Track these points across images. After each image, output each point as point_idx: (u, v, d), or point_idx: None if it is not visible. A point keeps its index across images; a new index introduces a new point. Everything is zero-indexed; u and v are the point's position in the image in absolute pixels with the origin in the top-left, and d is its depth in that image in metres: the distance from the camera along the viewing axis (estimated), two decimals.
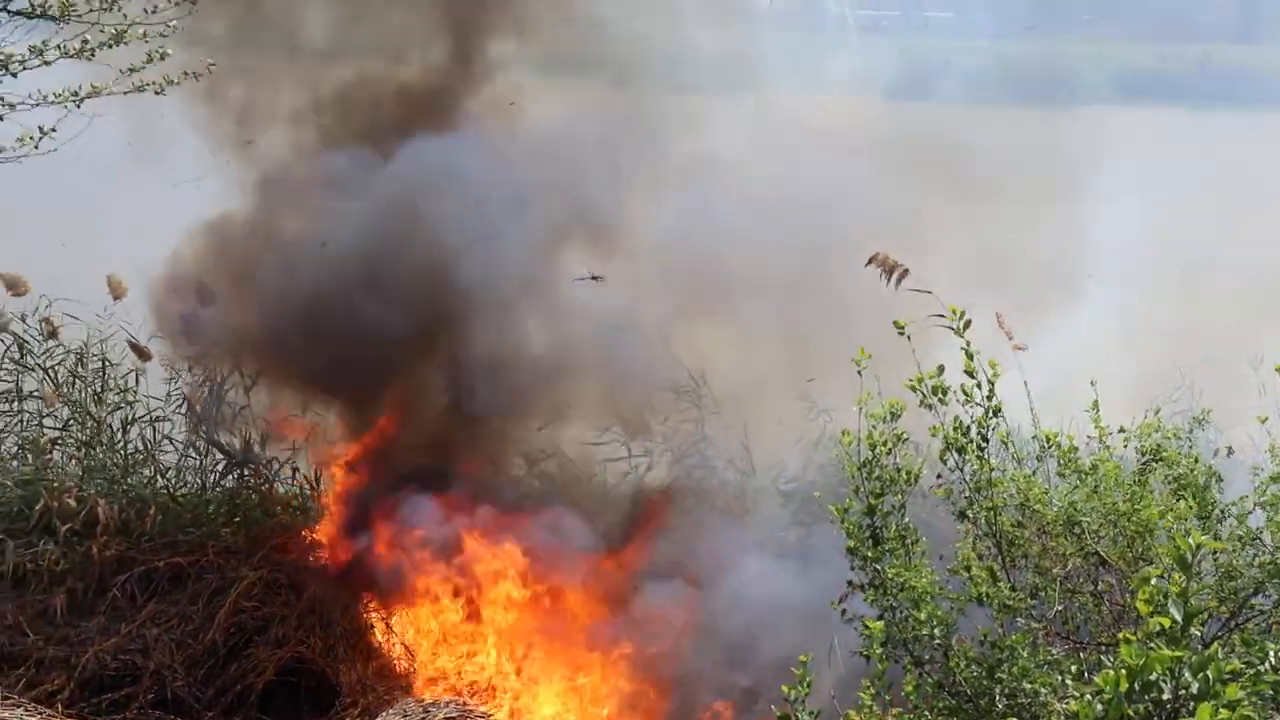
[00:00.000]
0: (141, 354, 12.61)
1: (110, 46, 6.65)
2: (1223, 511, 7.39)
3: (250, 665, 11.04)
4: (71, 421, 12.77)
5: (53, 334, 12.72)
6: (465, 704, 9.77)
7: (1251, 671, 5.57)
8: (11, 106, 6.71)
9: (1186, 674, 5.34)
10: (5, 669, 10.78)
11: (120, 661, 10.92)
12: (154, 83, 6.97)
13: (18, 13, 6.20)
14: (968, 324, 7.16)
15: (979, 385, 7.24)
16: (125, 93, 6.95)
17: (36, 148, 6.85)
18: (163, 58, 6.83)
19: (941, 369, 7.27)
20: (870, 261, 8.60)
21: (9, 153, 6.81)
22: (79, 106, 7.05)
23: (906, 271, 8.35)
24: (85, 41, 6.56)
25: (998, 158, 12.25)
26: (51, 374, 12.83)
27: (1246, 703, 5.17)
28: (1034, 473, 7.55)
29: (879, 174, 12.28)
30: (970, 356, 7.19)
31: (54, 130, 6.78)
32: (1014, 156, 12.31)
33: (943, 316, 7.46)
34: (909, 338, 7.33)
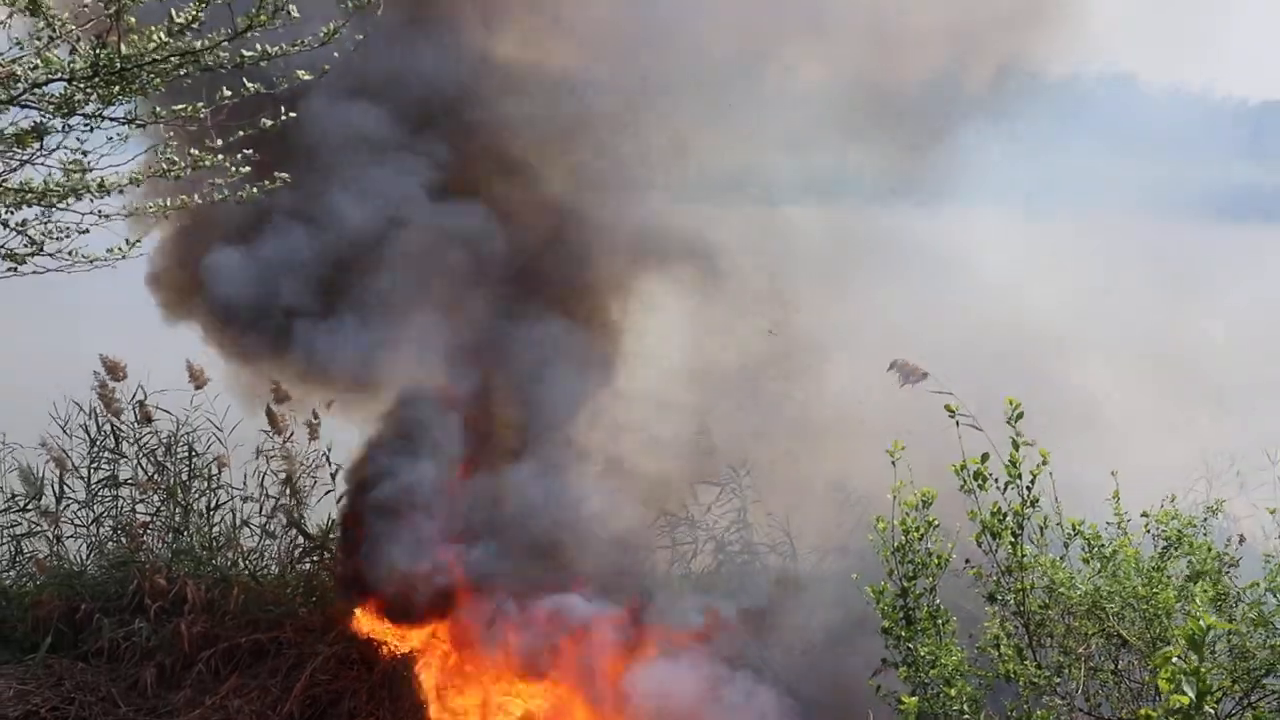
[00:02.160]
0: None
1: (197, 169, 6.69)
2: (1236, 596, 7.36)
3: None
4: (161, 507, 12.84)
5: (147, 419, 12.81)
6: None
7: None
8: (107, 218, 6.75)
9: None
10: None
11: None
12: (240, 194, 7.00)
13: (116, 120, 6.24)
14: (1020, 415, 7.18)
15: (1019, 476, 7.25)
16: (212, 202, 6.98)
17: (124, 257, 6.88)
18: (241, 174, 6.86)
19: (986, 457, 7.29)
20: (891, 366, 8.66)
21: (102, 262, 6.83)
22: (167, 217, 7.09)
23: (925, 375, 8.39)
24: (174, 162, 6.60)
25: None
26: (144, 462, 12.91)
27: None
28: (1061, 558, 7.52)
29: None
30: (1017, 446, 7.21)
31: (139, 242, 6.80)
32: None
33: (969, 416, 7.52)
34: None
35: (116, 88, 6.04)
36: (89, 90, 6.01)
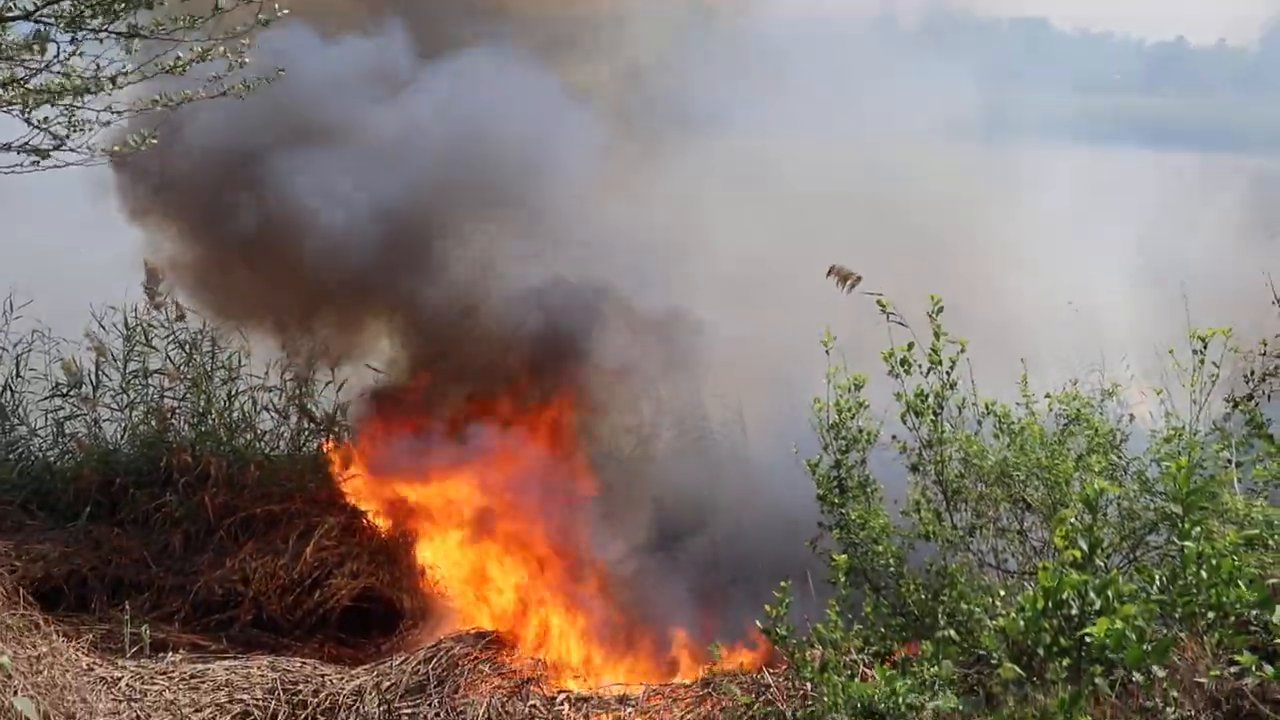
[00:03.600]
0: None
1: (200, 61, 6.66)
2: (1125, 467, 7.52)
3: (330, 593, 11.12)
4: (187, 394, 12.89)
5: (181, 316, 12.83)
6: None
7: (1144, 595, 5.66)
8: (120, 114, 6.74)
9: (1091, 594, 5.43)
10: (133, 595, 10.95)
11: (225, 589, 11.03)
12: (234, 87, 6.97)
13: (119, 34, 6.21)
14: (940, 310, 7.38)
15: (939, 362, 7.44)
16: (211, 97, 6.94)
17: (141, 149, 6.86)
18: (241, 65, 6.83)
19: (911, 345, 7.49)
20: (830, 272, 8.75)
21: (123, 152, 6.84)
22: (174, 110, 7.04)
23: (859, 279, 8.49)
24: (179, 58, 6.57)
25: None
26: (173, 355, 12.95)
27: (1138, 617, 5.27)
28: (976, 434, 7.68)
29: None
30: (938, 337, 7.42)
31: (155, 135, 6.80)
32: None
33: (894, 314, 7.69)
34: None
35: (120, 4, 6.03)
36: (94, 6, 6.01)
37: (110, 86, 6.60)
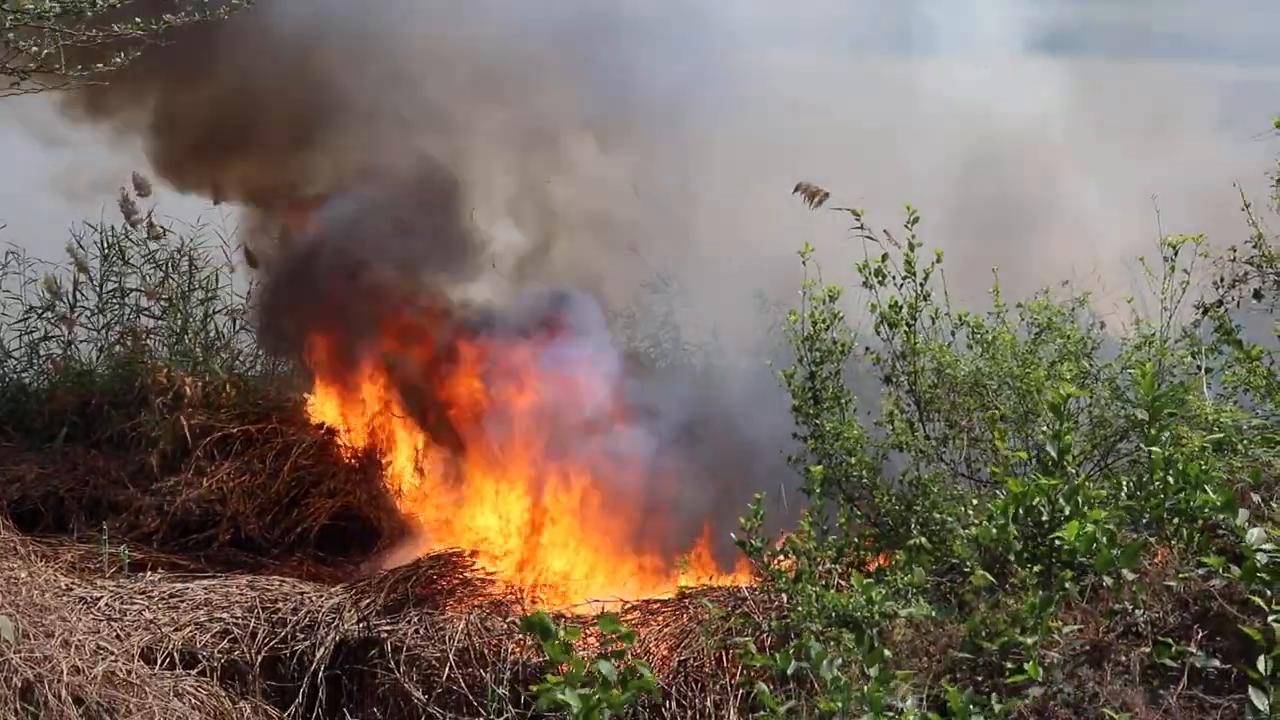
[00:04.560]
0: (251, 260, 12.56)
1: None
2: (1096, 375, 7.56)
3: (308, 512, 11.16)
4: (164, 315, 12.84)
5: (157, 236, 12.76)
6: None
7: (1114, 502, 5.71)
8: (102, 38, 6.68)
9: (1060, 500, 5.47)
10: (111, 515, 10.94)
11: (203, 509, 11.05)
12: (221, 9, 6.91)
13: None
14: (915, 220, 7.40)
15: (914, 273, 7.46)
16: (195, 20, 6.89)
17: (116, 67, 6.81)
18: None
19: (885, 256, 7.51)
20: (796, 189, 8.74)
21: (100, 72, 6.78)
22: (159, 37, 6.97)
23: (827, 194, 8.48)
24: None
25: None
26: (150, 274, 12.90)
27: (1108, 522, 5.31)
28: (949, 344, 7.70)
29: None
30: (912, 248, 7.43)
31: (136, 53, 6.73)
32: None
33: (863, 227, 7.71)
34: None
35: None
36: None
37: (91, 8, 6.54)
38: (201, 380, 12.07)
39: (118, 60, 6.91)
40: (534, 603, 9.28)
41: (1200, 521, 5.48)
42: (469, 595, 9.23)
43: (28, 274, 12.82)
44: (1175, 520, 5.52)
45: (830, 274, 7.77)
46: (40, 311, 12.70)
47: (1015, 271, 9.09)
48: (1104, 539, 5.19)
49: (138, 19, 6.86)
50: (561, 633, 4.36)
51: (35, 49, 6.71)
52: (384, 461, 11.41)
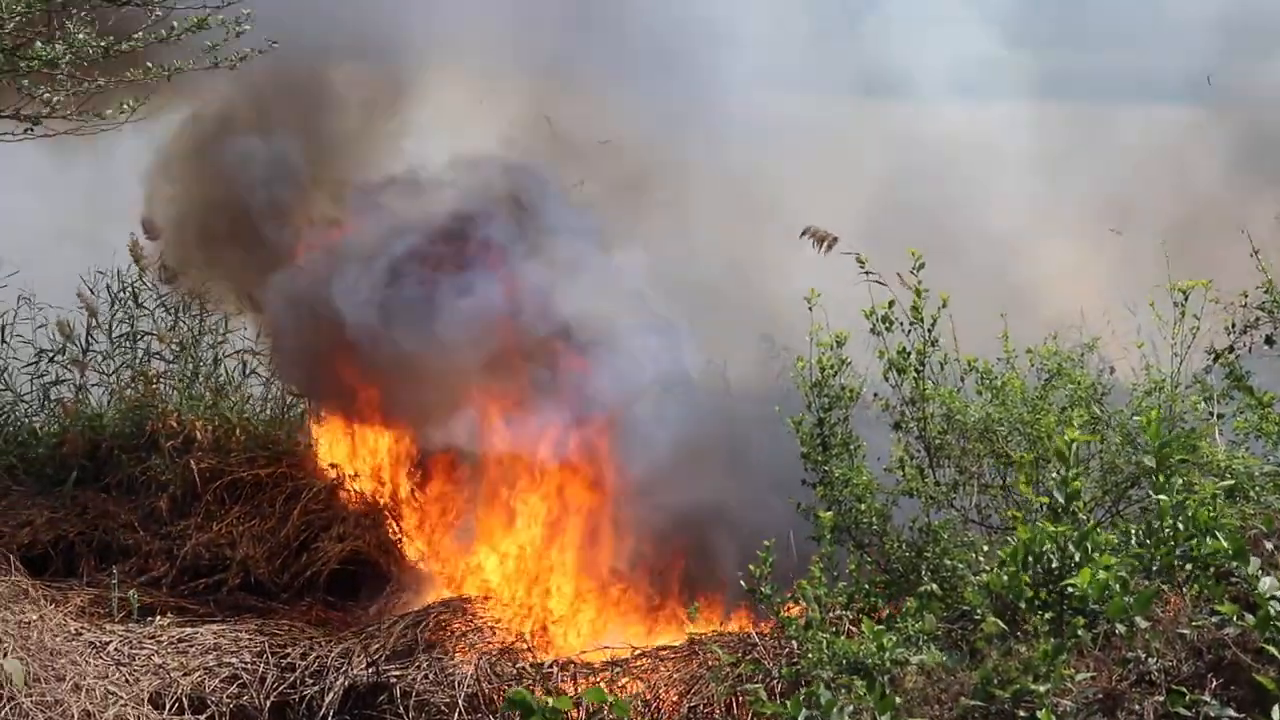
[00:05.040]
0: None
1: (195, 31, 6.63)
2: (1107, 420, 7.54)
3: (318, 556, 11.12)
4: (175, 359, 12.87)
5: (172, 279, 12.76)
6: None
7: (1125, 549, 5.69)
8: (121, 82, 6.70)
9: (1070, 546, 5.45)
10: (121, 559, 10.94)
11: (213, 553, 11.04)
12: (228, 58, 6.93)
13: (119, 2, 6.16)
14: (921, 266, 7.38)
15: (921, 319, 7.46)
16: (204, 68, 6.91)
17: (130, 115, 6.84)
18: (239, 34, 6.81)
19: (892, 303, 7.50)
20: (804, 233, 8.76)
21: (114, 120, 6.81)
22: (170, 79, 7.00)
23: (836, 239, 8.50)
24: (173, 26, 6.55)
25: None
26: (161, 318, 12.93)
27: (1119, 569, 5.29)
28: (958, 390, 7.70)
29: None
30: (919, 294, 7.42)
31: (145, 100, 6.77)
32: None
33: (872, 272, 7.72)
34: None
35: None
36: None
37: (103, 56, 6.57)
38: (212, 424, 12.07)
39: (128, 107, 6.95)
40: (543, 649, 9.26)
41: (1212, 569, 5.46)
42: (478, 640, 9.21)
43: (39, 318, 12.83)
44: (1187, 567, 5.50)
45: (834, 319, 7.78)
46: (51, 355, 12.71)
47: (1020, 315, 9.08)
48: (1116, 586, 5.17)
49: (149, 64, 6.89)
50: (550, 702, 4.35)
51: (47, 95, 6.75)
52: (391, 507, 11.38)
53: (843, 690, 5.63)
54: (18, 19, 6.31)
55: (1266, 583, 4.89)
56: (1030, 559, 5.48)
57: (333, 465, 11.56)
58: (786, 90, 13.23)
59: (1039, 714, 4.75)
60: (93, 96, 6.96)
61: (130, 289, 12.85)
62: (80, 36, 6.46)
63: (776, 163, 11.75)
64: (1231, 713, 4.77)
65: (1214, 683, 4.93)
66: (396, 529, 11.27)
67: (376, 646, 9.03)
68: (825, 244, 9.24)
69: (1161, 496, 5.60)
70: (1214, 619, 5.12)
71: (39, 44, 6.39)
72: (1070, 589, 5.30)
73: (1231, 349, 7.95)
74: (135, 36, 6.61)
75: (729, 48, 12.26)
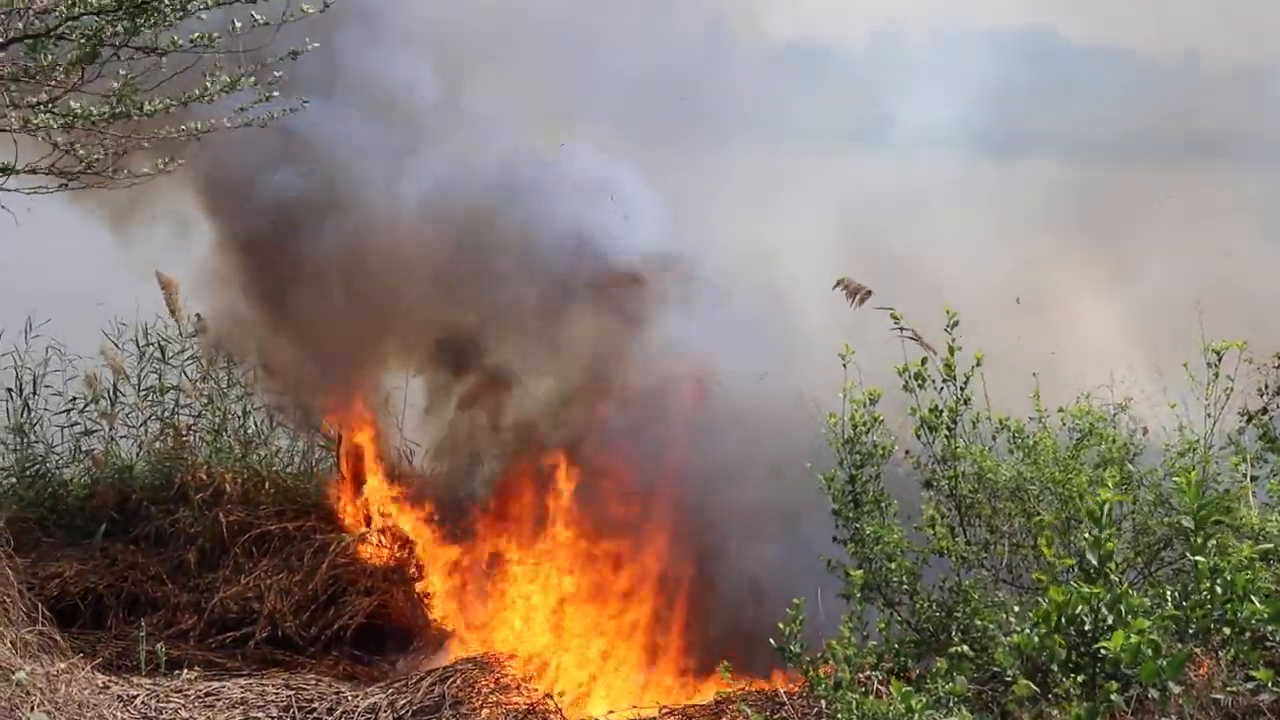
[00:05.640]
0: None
1: (228, 91, 6.68)
2: (1139, 480, 7.48)
3: (345, 610, 11.16)
4: (203, 411, 12.92)
5: (199, 331, 12.83)
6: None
7: (1158, 610, 5.63)
8: (146, 142, 6.74)
9: (1103, 609, 5.40)
10: (149, 611, 11.00)
11: (240, 606, 11.08)
12: (258, 118, 6.98)
13: (143, 49, 6.18)
14: (955, 324, 7.32)
15: (954, 377, 7.41)
16: (235, 127, 6.95)
17: (168, 171, 6.88)
18: (268, 99, 6.87)
19: (924, 360, 7.47)
20: (838, 285, 8.74)
21: (146, 177, 6.85)
22: (199, 139, 7.05)
23: (870, 292, 8.48)
24: (206, 87, 6.60)
25: None
26: (188, 371, 12.99)
27: (1152, 632, 5.24)
28: (989, 449, 7.65)
29: None
30: (952, 352, 7.38)
31: (176, 160, 6.80)
32: None
33: (906, 328, 7.69)
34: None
35: (139, 19, 6.03)
36: (114, 21, 6.01)
37: (138, 113, 6.61)
38: (241, 477, 12.11)
39: (161, 164, 7.00)
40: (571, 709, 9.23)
41: (1248, 633, 5.40)
42: (505, 699, 9.18)
43: (69, 370, 12.89)
44: (1224, 631, 5.44)
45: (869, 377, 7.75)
46: (82, 407, 12.76)
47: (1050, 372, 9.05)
48: (1148, 650, 5.11)
49: (184, 125, 6.94)
50: None
51: (83, 152, 6.79)
52: (417, 564, 11.40)
53: None
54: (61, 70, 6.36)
55: None
56: (1063, 621, 5.43)
57: (360, 518, 11.59)
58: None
59: None
60: (126, 153, 7.00)
61: (157, 342, 12.91)
62: (117, 95, 6.51)
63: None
64: None
65: None
66: (421, 584, 11.27)
67: (404, 702, 9.02)
68: (859, 297, 9.21)
69: (1199, 558, 5.54)
70: (1249, 685, 5.07)
71: (73, 103, 6.43)
72: (1103, 651, 5.25)
73: (1265, 410, 7.89)
74: (168, 100, 6.64)
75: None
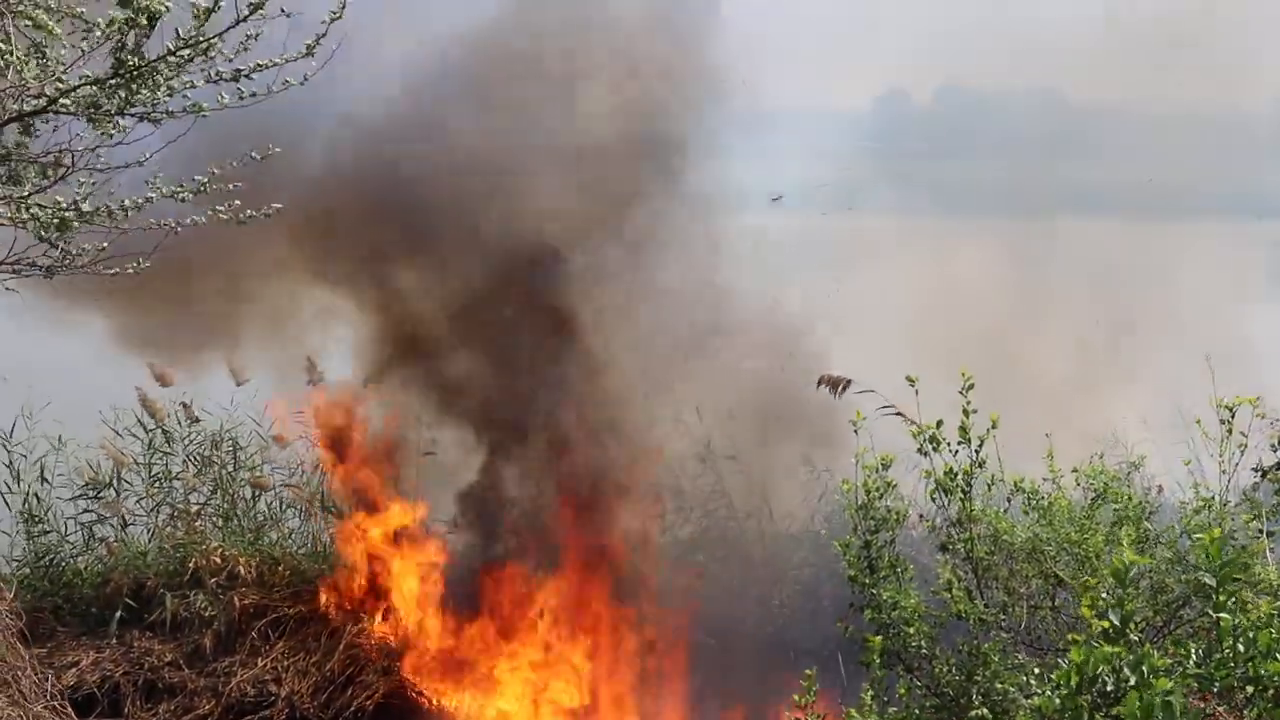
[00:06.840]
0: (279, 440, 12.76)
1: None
2: (1155, 538, 7.47)
3: (362, 690, 11.13)
4: (211, 496, 12.92)
5: (194, 420, 12.88)
6: None
7: (1180, 670, 5.60)
8: (125, 232, 6.72)
9: (1125, 669, 5.38)
10: (165, 698, 10.96)
11: (258, 689, 11.06)
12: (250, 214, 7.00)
13: (143, 115, 6.18)
14: (970, 387, 7.30)
15: (968, 440, 7.40)
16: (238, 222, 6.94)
17: (144, 267, 6.84)
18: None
19: (940, 423, 7.46)
20: (820, 383, 8.82)
21: (131, 268, 6.83)
22: (177, 232, 7.00)
23: (850, 381, 8.56)
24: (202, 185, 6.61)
25: None
26: (193, 457, 12.99)
27: (1174, 691, 5.21)
28: (1005, 511, 7.65)
29: None
30: (967, 414, 7.36)
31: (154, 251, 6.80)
32: None
33: (890, 406, 7.73)
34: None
35: (136, 86, 6.03)
36: (111, 92, 6.02)
37: (121, 212, 6.60)
38: (255, 559, 12.10)
39: (136, 264, 6.98)
40: None
41: (1271, 691, 5.38)
42: None
43: (71, 459, 12.84)
44: (1246, 690, 5.42)
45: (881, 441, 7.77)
46: (91, 494, 12.75)
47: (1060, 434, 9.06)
48: (1162, 711, 5.08)
49: (168, 220, 6.92)
50: None
51: (63, 246, 6.78)
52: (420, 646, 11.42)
53: None
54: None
55: None
56: (1084, 681, 5.41)
57: (367, 596, 11.60)
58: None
59: None
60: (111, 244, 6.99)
61: (160, 430, 12.91)
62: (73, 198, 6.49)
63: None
64: None
65: None
66: (422, 668, 11.31)
67: None
68: (839, 388, 9.31)
69: (1224, 615, 5.52)
70: None
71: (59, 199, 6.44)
72: (1122, 713, 5.23)
73: (1278, 466, 7.88)
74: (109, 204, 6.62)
75: None
